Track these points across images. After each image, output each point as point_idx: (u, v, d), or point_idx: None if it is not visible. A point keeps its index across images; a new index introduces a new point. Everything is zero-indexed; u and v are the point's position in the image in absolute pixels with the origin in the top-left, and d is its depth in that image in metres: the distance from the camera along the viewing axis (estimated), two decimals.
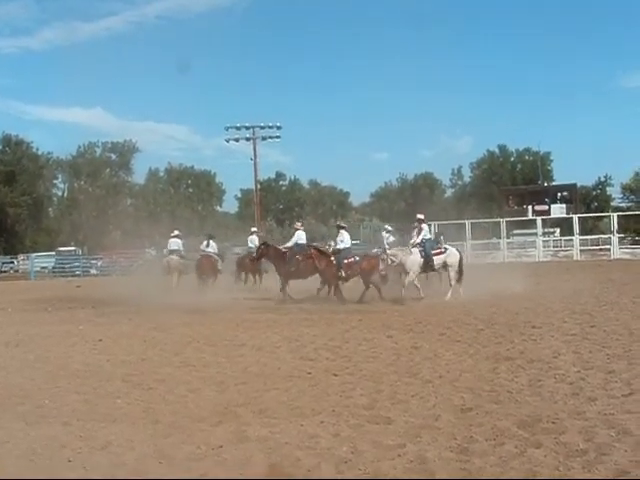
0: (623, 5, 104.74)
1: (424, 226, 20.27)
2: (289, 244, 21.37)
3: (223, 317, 17.15)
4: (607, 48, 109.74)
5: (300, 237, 21.26)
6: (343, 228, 21.43)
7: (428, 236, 20.27)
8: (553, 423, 6.66)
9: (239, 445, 6.40)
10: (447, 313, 15.97)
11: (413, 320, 14.94)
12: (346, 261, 20.24)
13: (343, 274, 20.21)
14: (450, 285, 19.76)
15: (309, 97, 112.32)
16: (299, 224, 23.03)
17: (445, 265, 20.14)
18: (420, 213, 20.98)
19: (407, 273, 19.68)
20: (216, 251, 25.36)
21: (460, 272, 20.07)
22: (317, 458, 5.98)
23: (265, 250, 21.84)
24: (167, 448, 6.37)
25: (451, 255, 20.38)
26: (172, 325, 15.70)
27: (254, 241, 26.07)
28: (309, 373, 9.59)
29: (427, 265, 19.74)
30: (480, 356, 10.38)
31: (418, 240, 19.87)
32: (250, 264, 24.32)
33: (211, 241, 25.38)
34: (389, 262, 19.55)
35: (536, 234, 45.79)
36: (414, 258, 19.70)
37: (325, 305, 18.92)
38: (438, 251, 20.28)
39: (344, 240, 20.67)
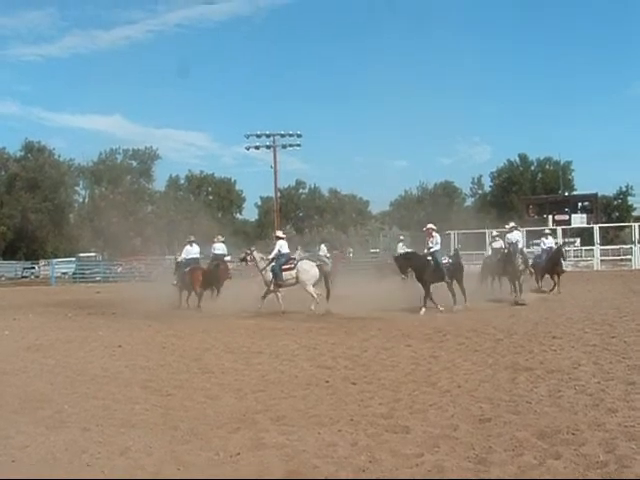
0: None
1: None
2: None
3: (241, 324, 17.18)
4: (627, 55, 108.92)
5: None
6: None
7: (438, 247, 20.04)
8: (573, 434, 6.60)
9: (256, 452, 6.40)
10: (466, 323, 15.90)
11: (432, 330, 14.88)
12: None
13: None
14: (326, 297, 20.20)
15: (329, 105, 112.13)
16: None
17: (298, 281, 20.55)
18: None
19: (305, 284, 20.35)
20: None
21: (327, 288, 20.44)
22: (335, 466, 5.96)
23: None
24: (185, 454, 6.39)
25: (302, 272, 20.52)
26: (191, 332, 15.76)
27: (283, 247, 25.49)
28: (327, 381, 9.58)
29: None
30: (499, 366, 10.32)
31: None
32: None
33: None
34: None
35: (556, 244, 45.47)
36: (311, 271, 20.48)
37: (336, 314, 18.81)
38: (287, 266, 20.72)
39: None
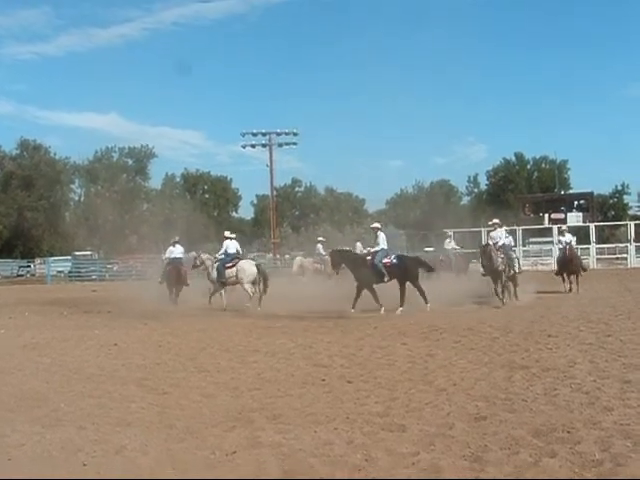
0: (637, 12, 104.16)
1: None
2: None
3: (237, 323, 17.19)
4: (623, 55, 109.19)
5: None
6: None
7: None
8: (568, 432, 6.61)
9: (252, 451, 6.40)
10: (462, 321, 15.92)
11: (428, 328, 14.89)
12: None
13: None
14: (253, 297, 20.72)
15: (325, 104, 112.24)
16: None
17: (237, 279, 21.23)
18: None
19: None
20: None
21: (264, 286, 20.91)
22: (331, 465, 5.97)
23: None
24: (181, 453, 6.39)
25: (240, 270, 21.19)
26: (187, 330, 15.77)
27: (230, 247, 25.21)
28: (323, 380, 9.58)
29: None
30: (495, 364, 10.33)
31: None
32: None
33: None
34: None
35: (552, 242, 45.54)
36: (249, 270, 21.23)
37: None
38: (230, 264, 21.44)
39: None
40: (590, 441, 6.33)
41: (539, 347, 11.82)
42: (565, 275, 24.13)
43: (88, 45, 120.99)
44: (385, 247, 19.72)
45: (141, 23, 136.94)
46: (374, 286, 19.04)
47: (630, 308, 17.88)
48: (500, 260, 20.36)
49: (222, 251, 22.09)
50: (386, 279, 19.21)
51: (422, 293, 19.08)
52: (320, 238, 30.57)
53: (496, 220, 22.15)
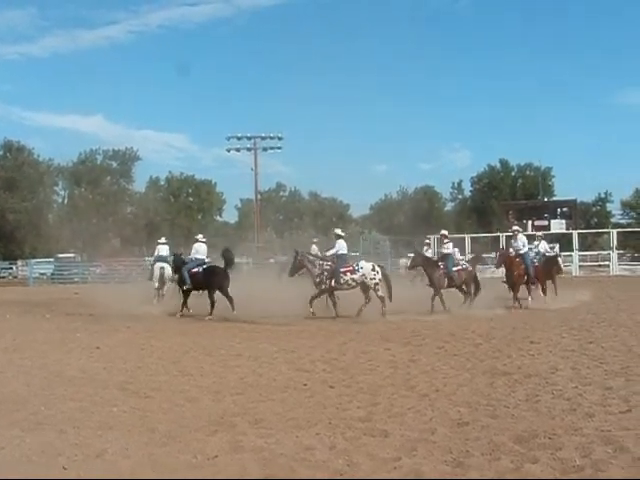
0: (622, 22, 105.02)
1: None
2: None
3: (220, 327, 17.15)
4: (607, 64, 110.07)
5: (198, 251, 21.65)
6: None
7: (344, 252, 19.79)
8: (550, 439, 6.64)
9: (234, 455, 6.38)
10: (445, 327, 15.96)
11: (411, 333, 14.93)
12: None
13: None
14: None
15: (310, 108, 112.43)
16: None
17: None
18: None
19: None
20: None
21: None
22: (312, 470, 5.96)
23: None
24: (163, 457, 6.35)
25: (155, 269, 23.00)
26: (169, 334, 15.70)
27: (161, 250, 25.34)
28: (305, 385, 9.56)
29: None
30: (477, 370, 10.36)
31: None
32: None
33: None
34: None
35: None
36: (156, 272, 22.88)
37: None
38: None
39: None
40: (571, 447, 6.36)
41: (521, 353, 11.88)
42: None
43: (73, 47, 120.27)
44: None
45: (127, 25, 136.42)
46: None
47: (612, 315, 18.00)
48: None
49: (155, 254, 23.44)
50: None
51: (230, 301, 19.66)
52: (315, 239, 30.48)
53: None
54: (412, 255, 22.63)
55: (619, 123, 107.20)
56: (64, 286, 44.18)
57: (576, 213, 61.00)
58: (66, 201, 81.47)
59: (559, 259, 25.94)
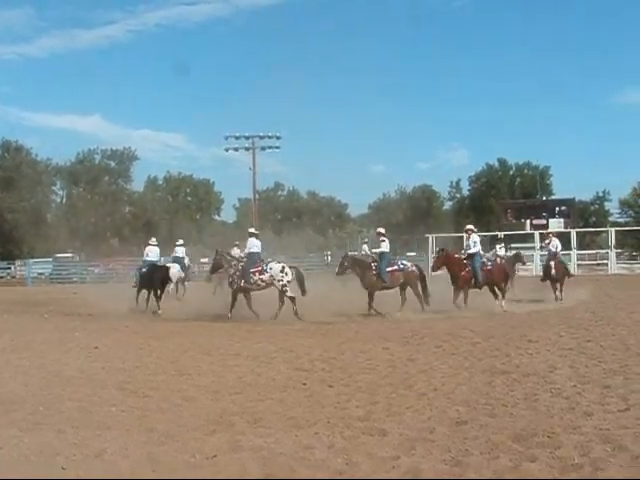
0: (621, 22, 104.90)
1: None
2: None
3: (219, 327, 17.14)
4: (607, 63, 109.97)
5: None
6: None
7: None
8: (548, 437, 6.64)
9: (233, 455, 6.38)
10: (443, 326, 15.96)
11: (409, 332, 14.92)
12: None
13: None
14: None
15: (309, 108, 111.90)
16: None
17: None
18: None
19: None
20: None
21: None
22: (311, 469, 5.96)
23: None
24: (161, 456, 6.35)
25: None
26: (168, 333, 15.70)
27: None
28: (304, 384, 9.57)
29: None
30: (476, 369, 10.37)
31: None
32: None
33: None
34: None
35: (534, 248, 45.71)
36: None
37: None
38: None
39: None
40: (570, 446, 6.36)
41: (520, 352, 11.87)
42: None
43: (71, 47, 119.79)
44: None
45: (124, 25, 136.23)
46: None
47: (610, 314, 18.00)
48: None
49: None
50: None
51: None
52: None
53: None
54: (341, 258, 21.66)
55: (617, 122, 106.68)
56: (62, 286, 44.13)
57: (574, 212, 60.88)
58: (64, 201, 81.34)
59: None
